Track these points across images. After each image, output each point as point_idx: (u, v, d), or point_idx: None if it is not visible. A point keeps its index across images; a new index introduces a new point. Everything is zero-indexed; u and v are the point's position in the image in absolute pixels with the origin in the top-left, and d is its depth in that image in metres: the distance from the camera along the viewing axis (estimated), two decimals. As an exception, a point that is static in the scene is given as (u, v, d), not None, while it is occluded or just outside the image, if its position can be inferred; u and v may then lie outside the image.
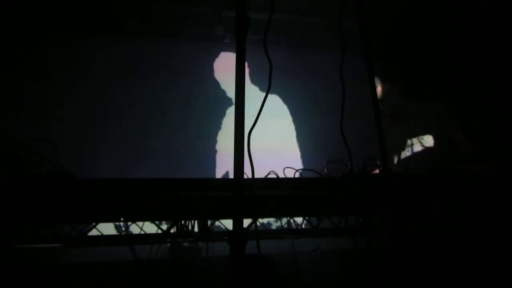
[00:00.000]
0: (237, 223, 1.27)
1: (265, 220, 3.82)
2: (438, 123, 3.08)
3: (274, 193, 1.88)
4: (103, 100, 4.73)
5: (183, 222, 2.20)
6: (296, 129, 5.37)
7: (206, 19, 4.78)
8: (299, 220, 2.26)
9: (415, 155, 3.14)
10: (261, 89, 5.16)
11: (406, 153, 3.17)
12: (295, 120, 5.39)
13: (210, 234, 1.95)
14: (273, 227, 3.61)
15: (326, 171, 2.64)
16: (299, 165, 4.93)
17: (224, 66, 5.11)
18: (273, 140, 5.04)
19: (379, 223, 2.35)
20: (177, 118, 4.81)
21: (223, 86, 5.09)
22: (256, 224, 1.46)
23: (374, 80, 1.51)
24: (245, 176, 1.63)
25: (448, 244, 2.58)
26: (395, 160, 3.27)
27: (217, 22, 4.79)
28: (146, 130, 4.76)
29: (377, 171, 2.41)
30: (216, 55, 5.11)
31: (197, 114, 4.92)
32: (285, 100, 5.38)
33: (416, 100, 3.34)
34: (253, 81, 4.65)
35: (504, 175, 2.32)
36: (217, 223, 2.49)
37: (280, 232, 2.03)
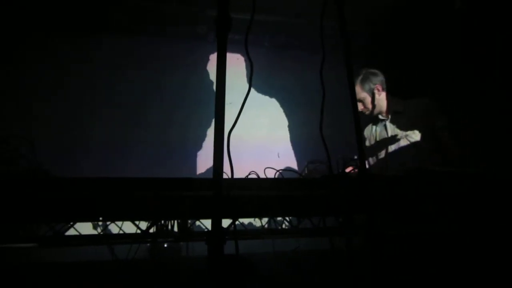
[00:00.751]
0: (216, 223, 1.27)
1: (246, 220, 3.84)
2: (424, 120, 3.11)
3: (254, 193, 1.88)
4: (84, 98, 4.68)
5: (162, 222, 2.19)
6: (279, 129, 5.39)
7: (189, 18, 4.75)
8: (281, 220, 2.27)
9: (401, 150, 3.17)
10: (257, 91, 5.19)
11: (393, 148, 3.20)
12: (278, 120, 5.41)
13: (190, 234, 1.94)
14: (255, 227, 3.62)
15: (306, 172, 2.65)
16: (281, 166, 4.94)
17: (208, 65, 5.10)
18: (255, 140, 5.05)
19: (359, 223, 2.38)
20: (159, 117, 4.78)
21: (207, 85, 5.07)
22: (234, 224, 1.46)
23: (353, 80, 1.53)
24: (225, 176, 1.63)
25: (428, 246, 2.63)
26: (382, 155, 3.30)
27: (200, 21, 4.77)
28: (128, 128, 4.71)
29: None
30: (199, 54, 5.09)
31: (180, 113, 4.89)
32: (269, 100, 5.40)
33: (402, 98, 3.37)
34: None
35: (485, 176, 2.36)
36: (198, 222, 2.49)
37: (260, 232, 2.04)
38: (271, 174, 2.32)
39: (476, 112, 3.77)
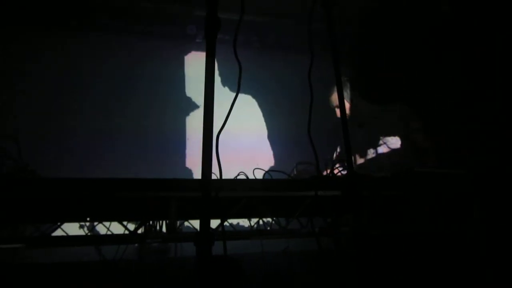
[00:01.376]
0: (204, 224, 1.27)
1: (235, 221, 3.83)
2: (401, 125, 3.15)
3: (243, 194, 1.89)
4: (71, 98, 4.62)
5: (151, 222, 2.18)
6: (268, 130, 5.40)
7: (178, 18, 4.73)
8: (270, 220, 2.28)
9: (380, 156, 3.20)
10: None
11: (371, 155, 3.23)
12: (267, 121, 5.42)
13: (178, 235, 1.93)
14: (244, 228, 3.61)
15: (295, 173, 2.67)
16: (271, 166, 4.96)
17: (196, 66, 5.07)
18: (245, 141, 5.05)
19: (347, 224, 2.40)
20: (145, 116, 4.75)
21: (194, 85, 5.05)
22: (223, 225, 1.46)
23: (342, 84, 1.54)
24: (214, 177, 1.63)
25: (414, 246, 2.66)
26: (362, 161, 3.33)
27: (189, 21, 4.76)
28: (113, 128, 4.67)
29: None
30: (187, 54, 5.07)
31: (166, 113, 4.87)
32: (258, 101, 5.40)
33: (380, 103, 3.40)
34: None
35: (467, 177, 2.39)
36: (187, 223, 2.49)
37: (248, 233, 2.04)
38: (260, 174, 2.33)
39: (451, 115, 3.83)
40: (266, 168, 2.49)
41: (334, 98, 3.26)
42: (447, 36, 4.14)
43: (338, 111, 3.32)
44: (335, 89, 3.26)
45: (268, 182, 2.01)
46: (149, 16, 4.75)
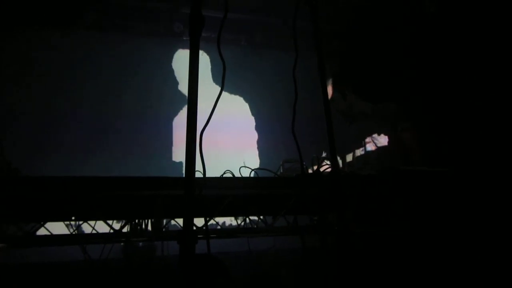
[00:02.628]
0: (188, 222, 1.27)
1: (222, 219, 3.83)
2: (390, 123, 3.18)
3: (229, 192, 1.88)
4: (57, 95, 4.58)
5: (136, 221, 2.17)
6: (256, 128, 5.40)
7: (164, 15, 4.71)
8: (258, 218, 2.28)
9: (368, 154, 3.23)
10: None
11: (360, 152, 3.26)
12: (255, 119, 5.42)
13: (163, 233, 1.93)
14: (231, 226, 3.61)
15: (282, 171, 2.66)
16: (258, 164, 4.96)
17: (184, 63, 5.05)
18: (232, 139, 5.05)
19: (332, 222, 2.41)
20: (132, 114, 4.72)
21: (184, 83, 5.04)
22: (206, 223, 1.46)
23: (326, 82, 1.55)
24: (201, 175, 1.63)
25: (398, 243, 2.68)
26: (351, 157, 3.36)
27: (175, 18, 4.74)
28: (100, 126, 4.64)
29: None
30: (174, 51, 5.06)
31: (153, 110, 4.85)
32: (246, 100, 5.40)
33: (371, 101, 3.42)
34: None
35: (453, 176, 2.42)
36: (173, 221, 2.47)
37: (233, 231, 2.04)
38: (246, 173, 2.33)
39: (439, 114, 3.87)
40: (254, 167, 2.48)
41: (329, 91, 3.31)
42: (433, 36, 4.18)
43: (333, 104, 3.37)
44: (330, 82, 3.29)
45: (253, 180, 2.00)
46: (136, 14, 4.72)
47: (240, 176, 2.14)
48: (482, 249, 2.58)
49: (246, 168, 2.31)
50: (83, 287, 2.62)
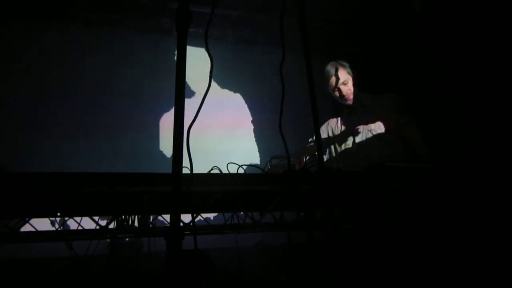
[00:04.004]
0: (174, 218, 1.27)
1: (210, 216, 3.83)
2: (391, 116, 3.14)
3: (216, 188, 1.88)
4: (43, 90, 4.52)
5: (123, 217, 2.16)
6: (245, 124, 5.40)
7: (151, 10, 4.67)
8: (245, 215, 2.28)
9: (366, 143, 3.20)
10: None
11: (357, 141, 3.24)
12: (243, 115, 5.42)
13: (149, 230, 1.92)
14: (218, 222, 3.60)
15: (269, 167, 2.68)
16: (246, 161, 4.96)
17: (170, 58, 5.02)
18: (220, 135, 5.05)
19: (319, 218, 2.43)
20: (119, 111, 4.68)
21: (170, 78, 5.01)
22: (193, 219, 1.46)
23: (312, 77, 1.55)
24: (188, 171, 1.62)
25: (385, 240, 2.71)
26: (347, 147, 3.32)
27: (162, 13, 4.71)
28: (87, 123, 4.60)
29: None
30: (162, 47, 5.02)
31: (141, 106, 4.81)
32: (233, 96, 5.39)
33: (372, 93, 3.39)
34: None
35: (441, 173, 2.44)
36: (160, 217, 2.47)
37: (220, 227, 2.04)
38: (234, 169, 2.33)
39: (438, 110, 3.92)
40: (242, 163, 2.49)
41: (338, 74, 3.26)
42: (418, 34, 4.23)
43: (345, 88, 3.27)
44: (332, 72, 3.22)
45: (241, 176, 2.01)
46: (122, 8, 4.68)
47: (227, 172, 2.14)
48: (468, 245, 2.62)
49: (234, 165, 2.32)
50: (69, 283, 2.60)
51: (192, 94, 4.76)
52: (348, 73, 3.29)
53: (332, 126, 3.52)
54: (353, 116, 3.34)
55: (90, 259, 2.34)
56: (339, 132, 3.43)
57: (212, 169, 2.25)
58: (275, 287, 2.77)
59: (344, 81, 3.26)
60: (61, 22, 4.70)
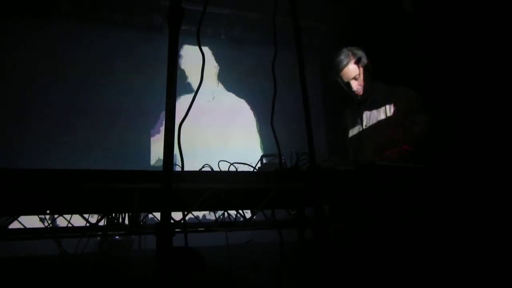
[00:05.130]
0: (165, 216, 1.26)
1: (201, 214, 3.83)
2: (402, 114, 2.99)
3: (207, 186, 1.88)
4: (30, 86, 4.48)
5: (113, 214, 2.15)
6: (238, 123, 5.40)
7: (144, 7, 4.65)
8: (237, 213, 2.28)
9: (374, 138, 3.10)
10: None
11: (365, 136, 3.16)
12: (237, 113, 5.42)
13: (140, 227, 1.91)
14: (209, 220, 3.60)
15: (260, 165, 2.67)
16: (239, 159, 4.96)
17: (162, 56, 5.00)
18: (213, 134, 5.04)
19: (310, 216, 2.43)
20: (110, 109, 4.66)
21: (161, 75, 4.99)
22: (184, 216, 1.46)
23: (305, 75, 1.55)
24: (179, 169, 1.62)
25: (375, 239, 2.73)
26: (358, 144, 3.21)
27: (155, 10, 4.69)
28: (76, 120, 4.56)
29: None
30: (154, 44, 4.99)
31: (132, 105, 4.79)
32: (227, 94, 5.39)
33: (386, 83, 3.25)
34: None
35: (431, 173, 2.46)
36: (151, 215, 2.46)
37: (211, 225, 2.04)
38: (226, 167, 2.32)
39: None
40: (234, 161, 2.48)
41: (349, 69, 3.05)
42: (411, 36, 4.26)
43: (356, 83, 3.03)
44: (343, 64, 3.03)
45: (232, 174, 2.01)
46: (113, 4, 4.65)
47: (219, 170, 2.14)
48: (458, 243, 2.65)
49: (226, 163, 2.31)
50: (58, 281, 2.59)
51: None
52: (360, 65, 3.07)
53: (348, 122, 3.38)
54: (363, 110, 3.19)
55: (80, 257, 2.32)
56: (351, 125, 3.33)
57: (203, 167, 2.25)
58: (265, 285, 2.77)
59: (355, 75, 3.06)
60: (53, 18, 4.66)
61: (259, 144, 5.21)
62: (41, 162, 3.89)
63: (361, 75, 3.08)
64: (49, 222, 2.35)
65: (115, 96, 4.74)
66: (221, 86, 5.31)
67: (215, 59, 5.17)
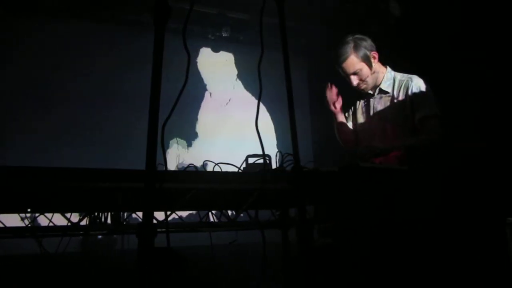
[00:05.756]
0: (147, 215, 1.25)
1: (185, 213, 3.81)
2: (409, 105, 2.81)
3: (191, 186, 1.87)
4: (19, 84, 4.41)
5: (95, 214, 2.13)
6: (225, 123, 5.39)
7: (132, 4, 4.62)
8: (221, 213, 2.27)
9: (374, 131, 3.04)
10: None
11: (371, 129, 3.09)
12: (225, 113, 5.41)
13: (122, 227, 1.90)
14: (194, 220, 3.58)
15: (245, 166, 2.67)
16: (225, 160, 4.96)
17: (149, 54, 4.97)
18: (202, 132, 5.03)
19: (293, 217, 2.44)
20: (95, 105, 4.61)
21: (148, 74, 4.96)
22: (166, 216, 1.45)
23: (290, 75, 1.55)
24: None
25: (359, 238, 2.75)
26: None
27: (143, 8, 4.66)
28: (65, 118, 4.51)
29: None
30: (142, 42, 4.95)
31: (119, 102, 4.75)
32: (216, 93, 5.38)
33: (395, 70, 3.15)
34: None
35: (408, 173, 2.48)
36: (135, 215, 2.44)
37: (194, 225, 2.04)
38: (211, 167, 2.32)
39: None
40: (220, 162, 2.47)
41: (349, 63, 2.82)
42: (397, 38, 4.31)
43: (356, 78, 2.83)
44: (349, 51, 2.91)
45: (216, 174, 2.00)
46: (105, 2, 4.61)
47: (203, 170, 2.14)
48: (439, 244, 2.68)
49: (211, 163, 2.31)
50: (39, 280, 2.55)
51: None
52: (363, 58, 2.83)
53: (355, 111, 3.22)
54: (371, 102, 3.02)
55: (61, 257, 2.29)
56: (359, 118, 3.17)
57: (188, 167, 2.24)
58: (248, 285, 2.77)
59: (356, 70, 2.84)
60: (41, 16, 4.59)
61: (248, 144, 5.21)
62: (20, 160, 3.85)
63: (363, 69, 2.84)
64: (30, 221, 2.32)
65: (104, 93, 4.69)
66: (212, 85, 5.30)
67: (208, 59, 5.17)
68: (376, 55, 2.89)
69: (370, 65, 2.86)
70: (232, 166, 2.32)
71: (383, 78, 2.93)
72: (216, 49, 5.33)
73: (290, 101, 1.56)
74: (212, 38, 5.13)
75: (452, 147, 2.42)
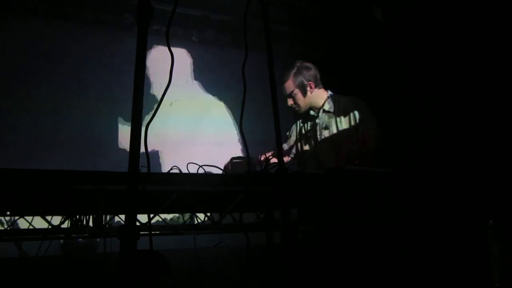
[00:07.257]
0: (129, 218, 1.23)
1: (169, 216, 3.78)
2: (349, 120, 3.06)
3: (174, 188, 1.86)
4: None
5: (77, 216, 2.09)
6: (208, 124, 5.37)
7: (113, 4, 4.56)
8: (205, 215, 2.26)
9: (324, 149, 3.13)
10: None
11: (319, 147, 3.19)
12: (209, 116, 5.39)
13: (105, 230, 1.87)
14: (178, 222, 3.56)
15: (230, 168, 2.66)
16: (209, 162, 4.93)
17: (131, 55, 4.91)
18: (184, 134, 5.00)
19: (278, 219, 2.44)
20: (78, 107, 4.54)
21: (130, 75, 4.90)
22: (149, 219, 1.43)
23: (274, 77, 1.55)
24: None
25: (343, 239, 2.77)
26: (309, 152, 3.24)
27: (125, 9, 4.61)
28: (49, 121, 4.43)
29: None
30: (124, 42, 4.89)
31: (101, 104, 4.68)
32: (201, 95, 5.35)
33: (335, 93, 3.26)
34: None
35: (391, 176, 2.51)
36: (117, 218, 2.41)
37: (178, 228, 2.02)
38: (195, 169, 2.30)
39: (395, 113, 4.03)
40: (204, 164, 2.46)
41: (286, 86, 3.11)
42: (379, 41, 4.36)
43: (290, 100, 3.10)
44: (289, 75, 3.04)
45: (200, 176, 1.99)
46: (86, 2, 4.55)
47: (187, 172, 2.12)
48: (421, 243, 2.72)
49: (195, 165, 2.29)
50: (18, 285, 2.49)
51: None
52: (299, 85, 3.10)
53: (293, 130, 3.46)
54: (317, 121, 3.23)
55: (41, 260, 2.25)
56: (301, 137, 3.36)
57: (171, 169, 2.22)
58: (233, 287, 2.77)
59: (290, 93, 3.11)
60: (20, 16, 4.50)
61: (232, 146, 5.20)
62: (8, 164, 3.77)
63: (298, 95, 3.12)
64: (9, 224, 2.27)
65: (86, 94, 4.62)
66: (196, 88, 5.28)
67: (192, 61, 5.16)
68: (313, 85, 3.13)
69: (304, 93, 3.12)
70: (216, 168, 2.32)
71: (326, 100, 3.17)
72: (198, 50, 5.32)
73: (275, 103, 1.56)
74: (196, 40, 5.11)
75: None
